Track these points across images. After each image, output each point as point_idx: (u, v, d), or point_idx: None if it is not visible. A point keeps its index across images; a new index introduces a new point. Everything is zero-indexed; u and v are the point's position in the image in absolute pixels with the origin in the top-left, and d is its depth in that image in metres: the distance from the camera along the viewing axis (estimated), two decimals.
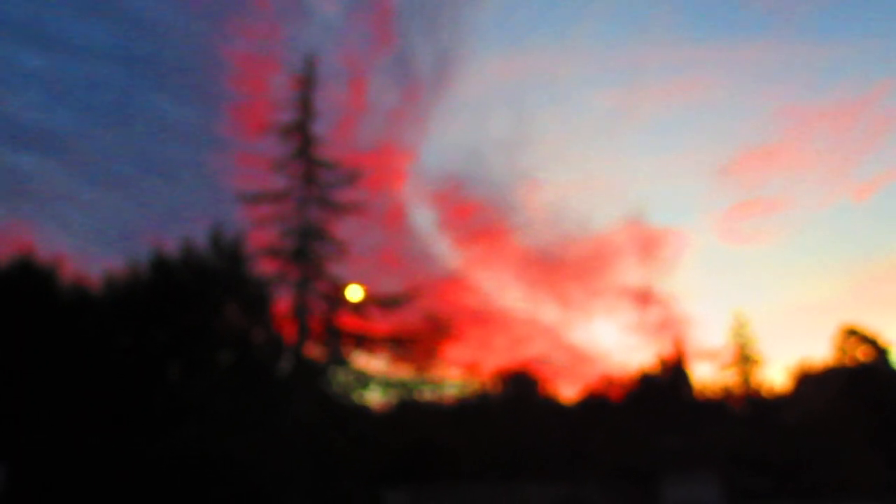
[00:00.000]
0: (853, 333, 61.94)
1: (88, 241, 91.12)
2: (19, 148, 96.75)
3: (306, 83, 24.00)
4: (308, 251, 23.36)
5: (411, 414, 50.80)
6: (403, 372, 35.19)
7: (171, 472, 25.87)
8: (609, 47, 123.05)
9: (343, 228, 24.32)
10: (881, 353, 60.07)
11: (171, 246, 43.27)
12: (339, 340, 23.80)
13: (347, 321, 24.19)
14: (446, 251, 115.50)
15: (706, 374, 77.18)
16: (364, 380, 25.87)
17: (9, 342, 37.81)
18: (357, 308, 24.03)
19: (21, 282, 40.09)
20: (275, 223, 23.90)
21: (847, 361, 61.72)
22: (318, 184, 23.66)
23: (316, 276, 23.52)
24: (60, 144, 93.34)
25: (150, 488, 26.94)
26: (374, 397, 32.65)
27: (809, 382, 66.34)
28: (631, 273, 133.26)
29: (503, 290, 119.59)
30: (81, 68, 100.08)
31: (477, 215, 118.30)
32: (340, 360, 24.26)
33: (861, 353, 61.18)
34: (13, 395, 35.51)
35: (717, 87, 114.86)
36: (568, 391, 79.28)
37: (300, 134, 23.72)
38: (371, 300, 24.42)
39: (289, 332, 24.55)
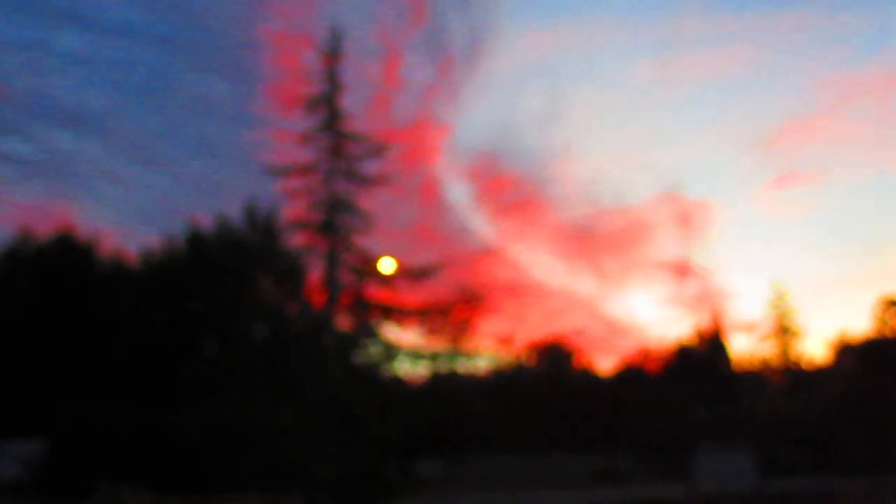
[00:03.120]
0: (893, 304, 60.98)
1: (126, 217, 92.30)
2: (58, 127, 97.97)
3: (333, 56, 24.01)
4: (335, 223, 23.47)
5: (445, 386, 51.00)
6: (436, 344, 35.29)
7: (202, 442, 26.28)
8: (643, 19, 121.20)
9: (377, 203, 24.43)
10: None
11: (207, 221, 43.92)
12: (367, 312, 23.94)
13: (377, 293, 24.31)
14: (482, 225, 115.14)
15: (744, 347, 76.31)
16: (393, 351, 26.02)
17: (49, 316, 38.63)
18: (386, 280, 24.12)
19: (61, 257, 40.91)
20: (303, 196, 24.04)
21: (888, 333, 60.82)
22: (345, 156, 23.71)
23: (344, 249, 23.64)
24: (98, 123, 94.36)
25: (183, 459, 27.40)
26: (407, 369, 32.87)
27: (849, 354, 65.53)
28: (668, 246, 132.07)
29: (539, 264, 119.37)
30: (118, 48, 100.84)
31: (512, 189, 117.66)
32: (370, 332, 24.41)
33: None
34: (51, 369, 36.31)
35: (755, 59, 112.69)
36: (604, 364, 79.29)
37: (327, 107, 23.77)
38: (400, 272, 24.52)
39: (320, 305, 24.75)
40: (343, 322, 24.46)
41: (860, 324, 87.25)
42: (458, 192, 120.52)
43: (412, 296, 24.99)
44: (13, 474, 33.42)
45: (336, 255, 23.75)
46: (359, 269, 23.93)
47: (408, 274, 24.18)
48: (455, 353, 45.71)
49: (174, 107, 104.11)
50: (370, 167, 24.12)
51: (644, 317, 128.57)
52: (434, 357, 33.78)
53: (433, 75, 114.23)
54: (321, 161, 23.70)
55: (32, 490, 30.96)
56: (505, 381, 57.34)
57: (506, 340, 65.28)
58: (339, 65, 24.14)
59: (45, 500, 28.80)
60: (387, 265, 25.89)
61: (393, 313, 24.18)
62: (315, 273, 24.10)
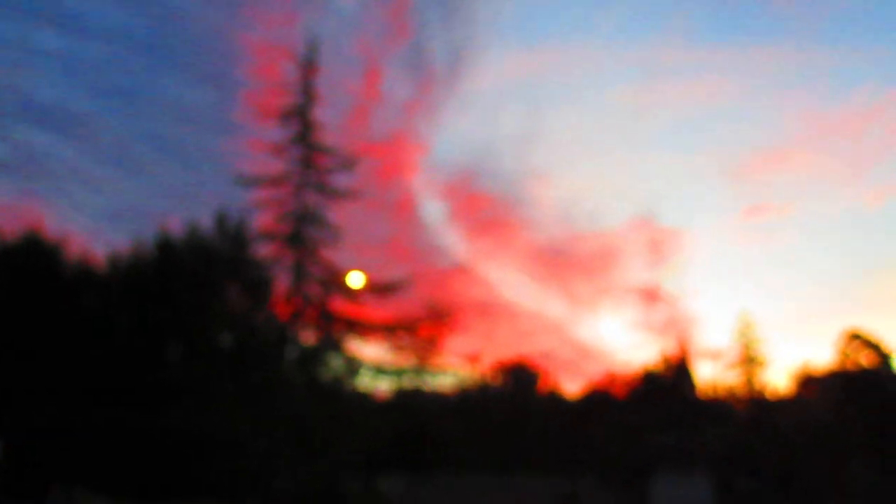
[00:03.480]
0: (856, 338, 61.58)
1: (99, 220, 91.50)
2: (34, 126, 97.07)
3: (308, 69, 24.09)
4: (303, 235, 23.49)
5: (410, 402, 50.93)
6: (402, 360, 35.34)
7: (164, 449, 26.10)
8: (624, 46, 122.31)
9: (351, 217, 24.49)
10: (884, 358, 59.76)
11: (179, 228, 43.55)
12: (332, 325, 23.93)
13: (343, 307, 24.30)
14: (455, 243, 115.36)
15: (710, 375, 76.91)
16: (357, 366, 25.98)
17: (12, 317, 38.14)
18: (353, 294, 24.13)
19: (27, 258, 40.43)
20: (273, 207, 24.05)
21: (849, 366, 61.45)
22: (316, 169, 23.76)
23: (311, 261, 23.65)
24: (75, 124, 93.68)
25: (141, 463, 27.20)
26: (372, 384, 32.80)
27: (811, 386, 66.11)
28: (639, 271, 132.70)
29: (510, 284, 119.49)
30: (98, 50, 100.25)
31: (487, 209, 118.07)
32: (333, 346, 24.40)
33: (864, 358, 60.86)
34: (13, 371, 35.84)
35: (732, 90, 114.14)
36: (571, 386, 79.31)
37: (300, 119, 23.82)
38: (368, 287, 24.55)
39: (285, 317, 24.71)
40: (307, 335, 24.44)
41: (824, 356, 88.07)
42: (432, 209, 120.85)
43: (380, 311, 25.05)
44: None
45: (303, 267, 23.77)
46: (325, 281, 23.95)
47: (376, 289, 24.23)
48: (421, 370, 45.81)
49: (152, 111, 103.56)
50: (341, 180, 24.22)
51: (612, 341, 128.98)
52: (399, 373, 33.83)
53: (413, 91, 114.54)
54: (292, 173, 23.75)
55: None
56: (470, 400, 57.24)
57: (473, 359, 65.35)
58: (314, 77, 24.25)
59: None
60: (355, 279, 25.90)
61: (358, 327, 24.20)
62: (282, 284, 24.08)
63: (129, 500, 25.58)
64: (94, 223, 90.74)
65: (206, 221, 43.01)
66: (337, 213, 24.36)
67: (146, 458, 26.98)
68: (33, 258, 40.03)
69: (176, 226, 44.15)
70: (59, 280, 40.32)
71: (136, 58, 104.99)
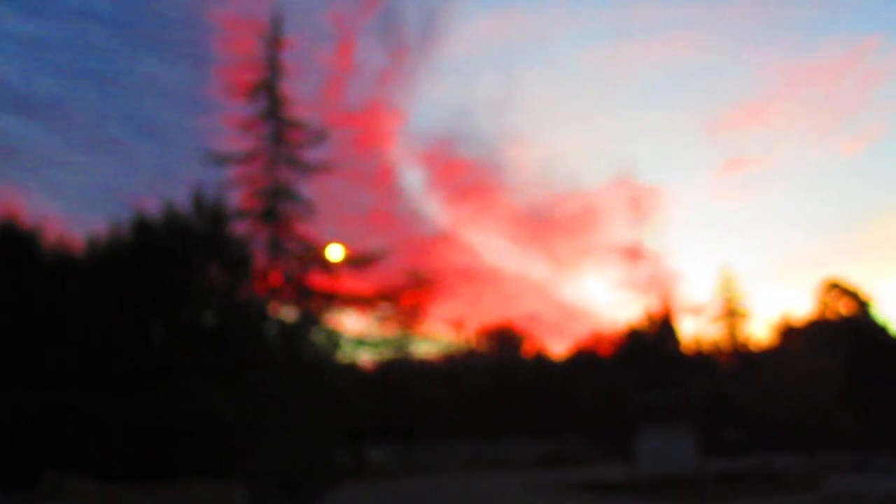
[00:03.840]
0: (835, 287, 62.41)
1: (76, 204, 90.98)
2: (5, 112, 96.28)
3: (275, 42, 23.90)
4: (277, 211, 23.46)
5: (395, 372, 51.24)
6: (386, 331, 35.28)
7: (148, 430, 26.23)
8: (597, 4, 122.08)
9: (330, 189, 24.39)
10: (863, 306, 60.57)
11: (155, 207, 43.45)
12: (312, 300, 23.96)
13: (322, 281, 24.30)
14: (436, 211, 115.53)
15: (694, 329, 77.67)
16: (338, 339, 26.09)
17: None
18: (332, 267, 24.14)
19: (4, 244, 40.21)
20: (246, 184, 23.97)
21: (829, 315, 62.25)
22: (287, 143, 23.66)
23: (286, 237, 23.64)
24: (47, 108, 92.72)
25: (129, 446, 27.34)
26: (355, 356, 32.85)
27: (792, 336, 66.98)
28: (620, 230, 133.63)
29: (493, 249, 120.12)
30: (67, 31, 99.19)
31: (466, 175, 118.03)
32: (314, 320, 24.46)
33: (843, 307, 61.68)
34: None
35: (705, 45, 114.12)
36: (557, 348, 79.99)
37: (269, 94, 23.67)
38: (347, 258, 24.58)
39: (263, 293, 24.73)
40: (288, 310, 24.48)
41: (805, 306, 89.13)
42: (412, 178, 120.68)
43: (361, 282, 25.09)
44: None
45: (279, 243, 23.74)
46: (302, 256, 23.93)
47: (354, 260, 24.23)
48: (405, 339, 46.02)
49: (124, 91, 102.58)
50: (313, 154, 24.11)
51: (597, 301, 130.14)
52: (383, 344, 33.96)
53: (387, 60, 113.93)
54: (262, 149, 23.64)
55: None
56: (456, 367, 57.71)
57: (457, 325, 65.74)
58: (281, 51, 24.05)
59: None
60: (334, 252, 25.93)
61: (338, 300, 24.21)
62: (260, 262, 24.05)
63: (117, 483, 25.72)
64: (73, 207, 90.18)
65: (182, 200, 42.98)
66: (314, 187, 24.30)
67: (132, 441, 27.11)
68: (10, 244, 39.84)
69: (153, 205, 44.05)
70: (37, 265, 40.19)
71: (105, 37, 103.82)
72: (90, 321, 38.21)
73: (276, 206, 23.44)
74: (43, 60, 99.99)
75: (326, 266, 23.93)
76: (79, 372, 35.50)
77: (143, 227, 42.18)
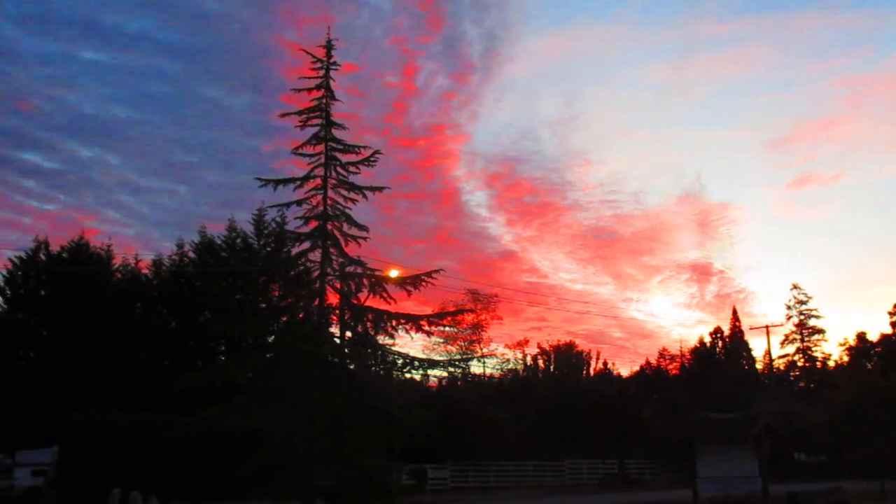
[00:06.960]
0: None
1: (146, 227, 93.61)
2: (81, 140, 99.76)
3: (326, 66, 24.27)
4: (331, 232, 23.73)
5: (456, 391, 51.15)
6: (447, 350, 35.01)
7: (206, 448, 26.62)
8: (657, 22, 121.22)
9: (393, 210, 24.58)
10: None
11: (220, 229, 44.61)
12: (367, 320, 24.08)
13: (379, 301, 24.40)
14: (500, 230, 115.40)
15: (764, 348, 75.90)
16: (396, 358, 26.23)
17: (62, 324, 39.25)
18: (385, 287, 24.26)
19: (75, 266, 41.52)
20: (302, 206, 24.31)
21: None
22: (340, 165, 23.95)
23: (342, 257, 23.88)
24: (120, 135, 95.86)
25: (188, 465, 27.81)
26: (415, 375, 32.70)
27: (865, 356, 64.97)
28: (687, 248, 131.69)
29: (557, 268, 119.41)
30: (138, 61, 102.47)
31: (530, 194, 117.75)
32: (368, 340, 24.60)
33: None
34: (64, 377, 36.84)
35: (770, 61, 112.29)
36: (623, 367, 79.04)
37: (322, 117, 24.02)
38: (403, 279, 24.72)
39: (323, 314, 24.95)
40: (345, 330, 24.67)
41: (879, 324, 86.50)
42: (476, 198, 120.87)
43: (422, 301, 25.19)
44: (30, 483, 34.07)
45: (336, 263, 24.00)
46: (359, 276, 24.11)
47: (411, 280, 24.32)
48: (466, 359, 45.88)
49: (194, 118, 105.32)
50: (368, 175, 24.40)
51: (663, 319, 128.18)
52: (433, 364, 34.01)
53: (450, 82, 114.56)
54: (317, 171, 24.00)
55: (49, 499, 31.50)
56: (518, 386, 57.34)
57: (520, 344, 65.48)
58: (333, 75, 24.42)
59: None
60: (391, 273, 26.15)
61: (396, 320, 24.22)
62: (318, 282, 24.30)
63: (177, 501, 26.18)
64: (142, 229, 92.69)
65: (246, 222, 44.01)
66: (377, 207, 24.53)
67: (192, 459, 27.54)
68: (81, 266, 41.13)
69: (219, 227, 45.10)
70: (106, 287, 41.38)
71: (175, 66, 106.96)
72: (155, 339, 39.14)
73: (330, 227, 23.71)
74: (116, 89, 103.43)
75: (383, 286, 24.08)
76: (143, 390, 36.34)
77: (207, 248, 43.19)
